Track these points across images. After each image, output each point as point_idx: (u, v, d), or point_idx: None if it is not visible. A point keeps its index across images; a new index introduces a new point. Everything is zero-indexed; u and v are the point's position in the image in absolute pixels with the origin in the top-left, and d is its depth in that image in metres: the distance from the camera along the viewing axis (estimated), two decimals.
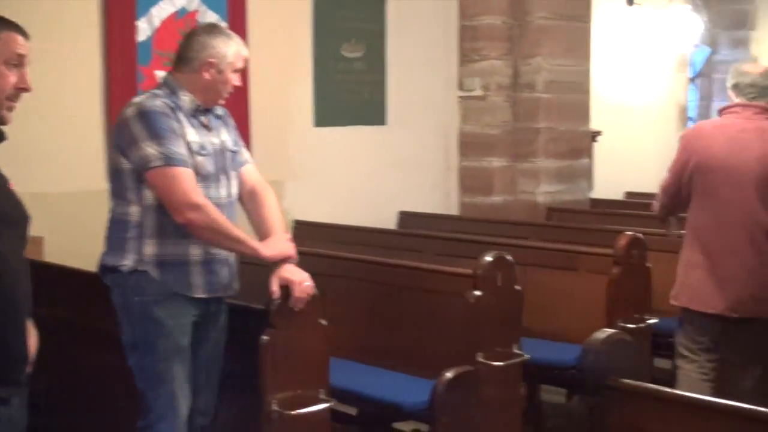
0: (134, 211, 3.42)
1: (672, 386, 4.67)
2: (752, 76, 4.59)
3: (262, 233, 3.61)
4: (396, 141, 7.03)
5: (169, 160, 3.32)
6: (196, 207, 3.33)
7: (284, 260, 3.49)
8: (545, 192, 7.36)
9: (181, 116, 3.42)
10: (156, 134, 3.33)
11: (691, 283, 4.63)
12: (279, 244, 3.52)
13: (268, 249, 3.49)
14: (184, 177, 3.33)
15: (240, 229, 3.48)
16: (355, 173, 6.79)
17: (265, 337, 3.52)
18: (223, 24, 3.84)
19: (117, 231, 3.46)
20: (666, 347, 5.72)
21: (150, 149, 3.32)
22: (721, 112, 4.77)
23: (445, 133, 7.42)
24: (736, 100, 4.62)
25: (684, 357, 4.74)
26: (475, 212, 7.34)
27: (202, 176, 3.42)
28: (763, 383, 4.53)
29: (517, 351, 4.37)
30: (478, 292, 4.26)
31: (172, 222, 3.36)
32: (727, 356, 4.64)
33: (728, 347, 4.62)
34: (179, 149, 3.35)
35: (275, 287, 3.48)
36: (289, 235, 3.65)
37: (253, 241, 3.49)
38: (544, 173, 7.34)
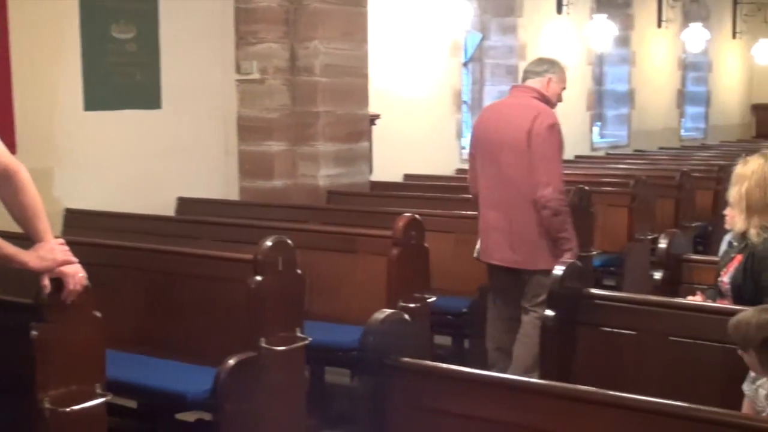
0: None
1: (451, 362, 4.81)
2: (528, 64, 5.53)
3: (25, 222, 3.41)
4: (172, 125, 6.86)
5: None
6: None
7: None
8: (326, 175, 7.38)
9: None
10: None
11: (480, 239, 5.38)
12: (51, 253, 3.34)
13: (40, 261, 3.31)
14: None
15: None
16: (129, 159, 6.58)
17: (34, 332, 3.37)
18: None
19: None
20: (445, 325, 5.90)
21: None
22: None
23: (222, 117, 7.31)
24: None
25: (489, 307, 5.46)
26: (256, 197, 7.28)
27: None
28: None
29: (300, 335, 4.37)
30: (259, 278, 4.23)
31: None
32: (509, 302, 5.36)
33: (508, 293, 5.33)
34: None
35: (46, 280, 3.32)
36: (61, 240, 3.45)
37: (22, 255, 3.28)
38: (324, 157, 7.36)
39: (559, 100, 5.48)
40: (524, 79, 5.42)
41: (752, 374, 3.16)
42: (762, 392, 3.09)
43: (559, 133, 5.19)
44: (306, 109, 7.33)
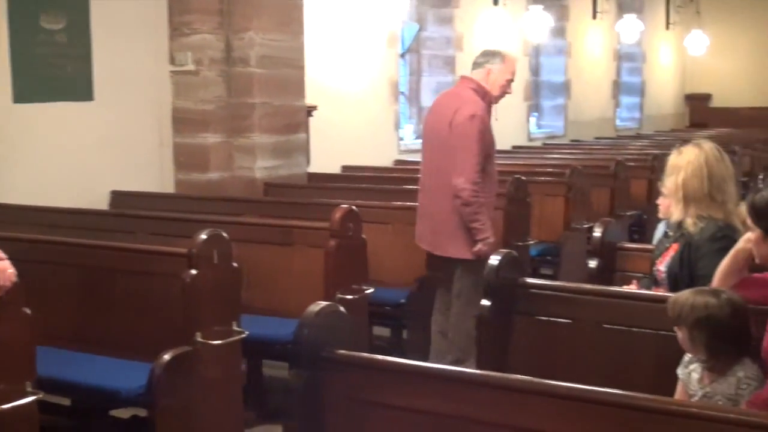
0: None
1: (390, 353, 4.81)
2: (476, 56, 5.49)
3: None
4: (105, 117, 6.76)
5: None
6: None
7: None
8: (263, 167, 7.33)
9: None
10: None
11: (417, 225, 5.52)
12: None
13: None
14: None
15: None
16: (61, 152, 6.47)
17: None
18: None
19: None
20: (384, 316, 5.89)
21: None
22: None
23: (157, 108, 7.21)
24: None
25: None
26: (192, 189, 7.20)
27: None
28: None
29: (236, 328, 4.33)
30: (194, 271, 4.18)
31: None
32: (444, 288, 5.44)
33: (443, 279, 5.42)
34: None
35: None
36: None
37: None
38: (261, 149, 7.31)
39: (506, 91, 5.39)
40: (471, 70, 5.43)
41: (686, 358, 3.20)
42: (695, 376, 3.14)
43: (481, 125, 5.14)
44: (242, 100, 7.27)
